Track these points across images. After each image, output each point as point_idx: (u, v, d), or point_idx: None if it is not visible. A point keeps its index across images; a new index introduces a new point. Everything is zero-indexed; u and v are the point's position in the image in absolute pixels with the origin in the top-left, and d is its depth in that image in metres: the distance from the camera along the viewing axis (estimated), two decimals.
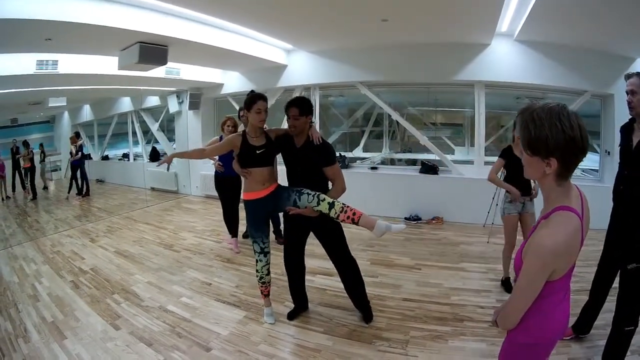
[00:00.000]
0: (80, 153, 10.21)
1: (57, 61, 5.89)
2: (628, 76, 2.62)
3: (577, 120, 1.30)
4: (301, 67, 7.94)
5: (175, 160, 10.69)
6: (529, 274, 1.38)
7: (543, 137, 1.31)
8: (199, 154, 3.63)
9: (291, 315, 3.76)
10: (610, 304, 2.89)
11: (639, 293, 2.62)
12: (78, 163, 10.25)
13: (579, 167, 7.36)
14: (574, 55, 6.22)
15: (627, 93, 2.61)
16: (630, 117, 2.71)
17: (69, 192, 10.45)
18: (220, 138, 5.55)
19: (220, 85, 9.37)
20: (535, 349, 1.54)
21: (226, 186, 5.58)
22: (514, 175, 4.01)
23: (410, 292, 4.24)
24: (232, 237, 5.74)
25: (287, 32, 6.57)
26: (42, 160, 10.76)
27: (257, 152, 3.30)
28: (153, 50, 5.32)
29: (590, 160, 7.30)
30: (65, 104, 10.09)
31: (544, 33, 5.78)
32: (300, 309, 3.84)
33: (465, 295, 4.14)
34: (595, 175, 6.93)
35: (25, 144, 10.39)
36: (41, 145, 10.76)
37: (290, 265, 3.73)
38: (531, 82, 6.61)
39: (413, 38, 6.44)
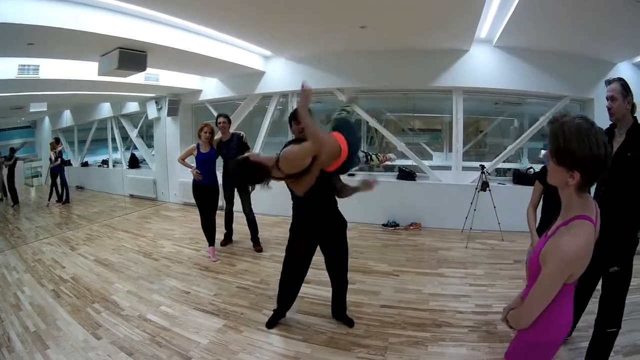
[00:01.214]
0: (59, 159, 10.08)
1: (38, 66, 5.86)
2: (608, 82, 2.69)
3: (603, 138, 1.37)
4: (279, 74, 7.90)
5: (154, 166, 10.64)
6: (550, 277, 1.47)
7: (570, 150, 1.39)
8: None
9: (270, 324, 3.75)
10: (592, 305, 2.94)
11: (621, 295, 2.68)
12: (57, 170, 10.12)
13: None
14: (554, 61, 6.32)
15: (607, 99, 2.66)
16: (611, 122, 2.77)
17: (49, 199, 10.34)
18: (198, 145, 5.54)
19: (199, 92, 9.29)
20: (545, 348, 1.64)
21: (204, 194, 5.53)
22: (552, 199, 3.03)
23: (388, 299, 4.26)
24: (210, 245, 5.70)
25: (265, 39, 6.55)
26: None
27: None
28: (132, 56, 5.32)
29: None
30: (46, 109, 10.04)
31: (524, 39, 5.86)
32: (279, 316, 3.82)
33: (443, 301, 4.17)
34: None
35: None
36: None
37: (290, 282, 3.68)
38: (510, 88, 6.69)
39: (391, 44, 6.47)
